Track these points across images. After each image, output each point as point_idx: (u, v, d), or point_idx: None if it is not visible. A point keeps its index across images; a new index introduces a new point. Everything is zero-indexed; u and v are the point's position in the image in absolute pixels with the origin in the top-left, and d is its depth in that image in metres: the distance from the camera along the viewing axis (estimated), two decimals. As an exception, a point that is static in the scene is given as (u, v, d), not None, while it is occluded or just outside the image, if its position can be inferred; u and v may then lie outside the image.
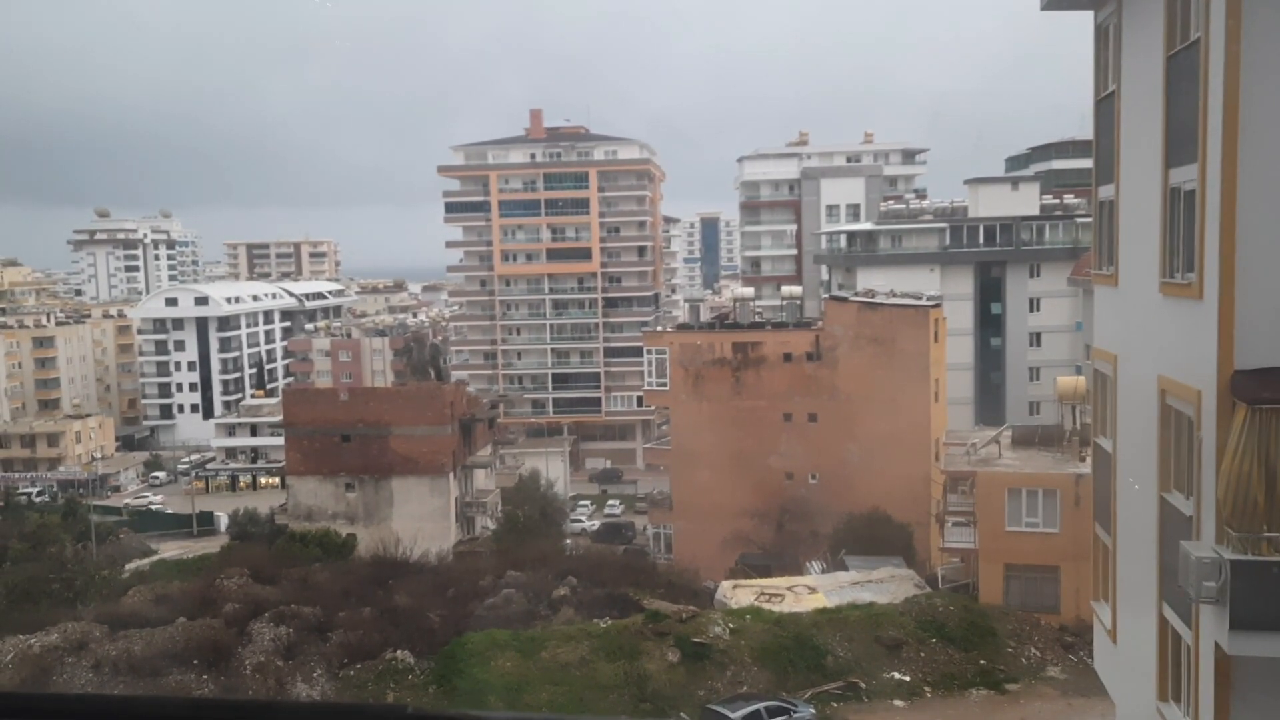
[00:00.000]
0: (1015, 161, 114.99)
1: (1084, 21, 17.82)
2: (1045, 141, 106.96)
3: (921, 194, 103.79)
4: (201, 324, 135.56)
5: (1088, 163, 20.89)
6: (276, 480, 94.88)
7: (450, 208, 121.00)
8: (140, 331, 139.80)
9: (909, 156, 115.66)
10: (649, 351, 67.64)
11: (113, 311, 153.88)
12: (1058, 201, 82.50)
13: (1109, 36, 16.81)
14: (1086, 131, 19.19)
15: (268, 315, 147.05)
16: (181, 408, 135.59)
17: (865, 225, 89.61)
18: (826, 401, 59.82)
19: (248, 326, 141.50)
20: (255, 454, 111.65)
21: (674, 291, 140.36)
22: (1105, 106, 17.15)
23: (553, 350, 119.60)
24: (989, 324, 79.24)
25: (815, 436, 59.76)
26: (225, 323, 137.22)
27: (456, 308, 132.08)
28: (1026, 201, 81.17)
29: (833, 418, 59.15)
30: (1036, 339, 78.24)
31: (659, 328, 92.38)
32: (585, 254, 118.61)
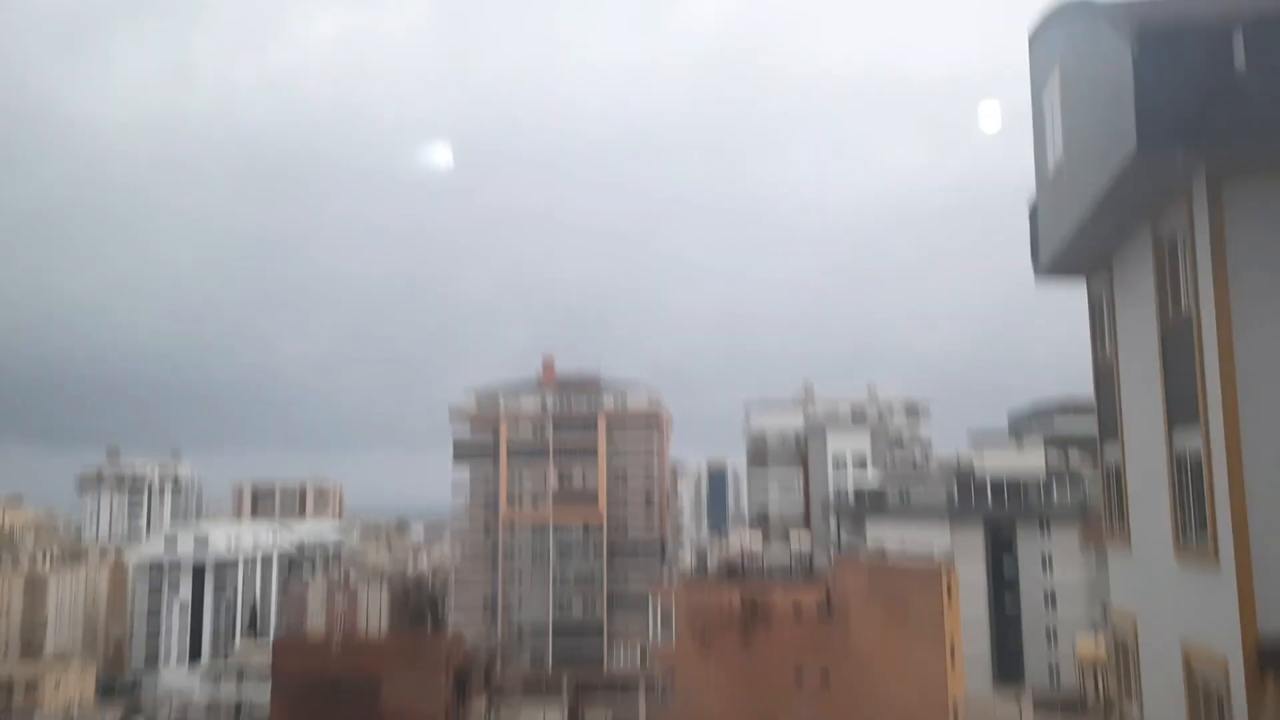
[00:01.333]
0: (1018, 418, 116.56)
1: (1079, 286, 18.59)
2: (1046, 398, 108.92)
3: (927, 447, 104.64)
4: (198, 567, 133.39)
5: (1090, 422, 21.18)
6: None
7: (459, 451, 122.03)
8: (136, 573, 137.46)
9: (913, 410, 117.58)
10: (655, 603, 66.01)
11: (110, 551, 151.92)
12: (1063, 461, 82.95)
13: (1102, 304, 17.52)
14: (1086, 390, 19.59)
15: (266, 558, 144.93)
16: (170, 653, 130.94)
17: (872, 478, 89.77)
18: (839, 661, 57.64)
19: (245, 569, 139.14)
20: (238, 710, 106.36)
21: (681, 540, 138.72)
22: (1104, 370, 17.61)
23: (554, 599, 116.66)
24: (1002, 580, 77.61)
25: (827, 697, 57.12)
26: (222, 566, 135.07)
27: (458, 551, 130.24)
28: (1032, 459, 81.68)
29: (845, 678, 56.78)
30: (1050, 596, 76.33)
31: (665, 577, 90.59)
32: (591, 500, 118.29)
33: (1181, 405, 13.56)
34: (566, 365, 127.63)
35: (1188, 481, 13.51)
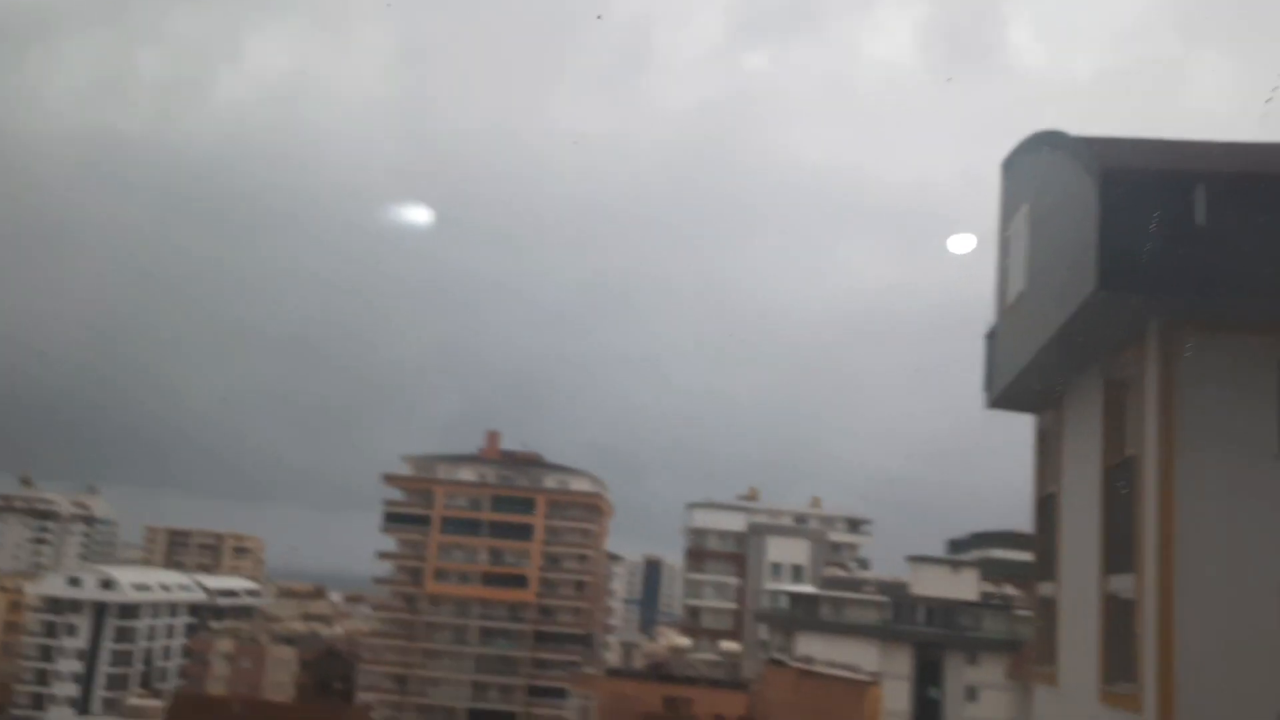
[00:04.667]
0: (956, 544, 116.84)
1: (1027, 421, 18.72)
2: (986, 529, 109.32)
3: (864, 564, 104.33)
4: (99, 609, 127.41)
5: (1026, 555, 21.14)
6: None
7: (389, 518, 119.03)
8: (33, 610, 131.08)
9: (854, 525, 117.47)
10: (575, 695, 64.29)
11: (9, 585, 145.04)
12: (997, 590, 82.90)
13: (1049, 441, 17.63)
14: (1026, 522, 19.61)
15: (174, 608, 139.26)
16: (54, 698, 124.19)
17: (808, 588, 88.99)
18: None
19: (150, 617, 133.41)
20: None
21: (609, 632, 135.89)
22: (1046, 506, 17.64)
23: (473, 683, 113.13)
24: (926, 709, 76.64)
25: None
26: (126, 610, 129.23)
27: (378, 623, 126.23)
28: (966, 586, 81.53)
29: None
30: (973, 730, 75.37)
31: (589, 669, 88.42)
32: (522, 582, 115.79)
33: (1118, 548, 13.55)
34: (513, 443, 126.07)
35: (1118, 622, 13.44)
